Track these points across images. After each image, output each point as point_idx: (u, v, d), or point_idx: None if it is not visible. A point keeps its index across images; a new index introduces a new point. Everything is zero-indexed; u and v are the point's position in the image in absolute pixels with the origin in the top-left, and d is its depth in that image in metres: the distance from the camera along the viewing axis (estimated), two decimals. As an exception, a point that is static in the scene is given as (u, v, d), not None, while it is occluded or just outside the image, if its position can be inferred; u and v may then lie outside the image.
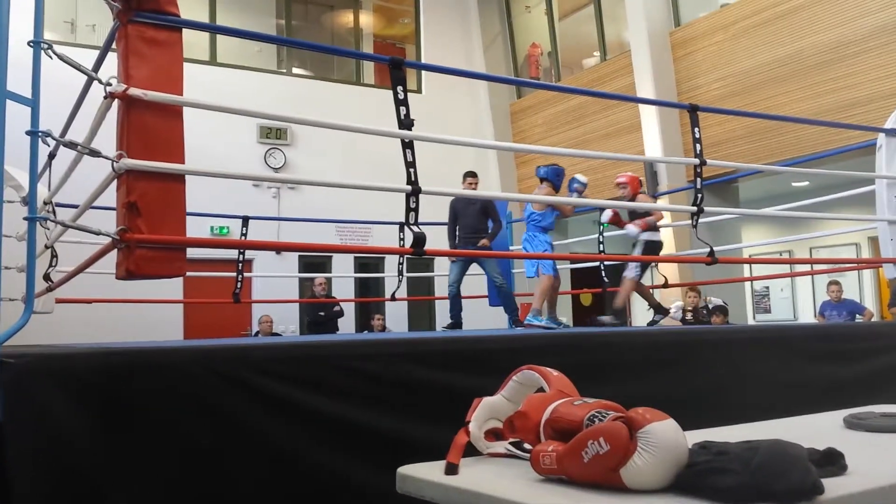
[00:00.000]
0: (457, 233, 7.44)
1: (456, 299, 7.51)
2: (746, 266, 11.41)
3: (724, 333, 4.22)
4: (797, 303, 13.56)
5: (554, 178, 6.76)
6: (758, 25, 9.67)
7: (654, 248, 6.59)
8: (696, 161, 4.32)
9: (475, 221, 7.32)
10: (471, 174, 7.49)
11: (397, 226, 7.75)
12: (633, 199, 6.72)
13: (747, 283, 12.47)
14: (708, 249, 4.54)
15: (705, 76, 10.37)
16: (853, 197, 6.08)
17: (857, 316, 9.18)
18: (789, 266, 12.14)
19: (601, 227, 7.96)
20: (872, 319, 9.79)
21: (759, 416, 2.29)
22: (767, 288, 13.97)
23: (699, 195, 4.37)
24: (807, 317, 12.87)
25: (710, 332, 4.72)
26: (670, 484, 1.37)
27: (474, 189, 7.53)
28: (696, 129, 4.37)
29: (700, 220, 4.48)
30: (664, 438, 1.38)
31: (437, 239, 7.27)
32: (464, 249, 7.23)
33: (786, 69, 9.27)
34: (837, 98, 8.67)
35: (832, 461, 1.47)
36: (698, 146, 4.35)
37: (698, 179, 4.35)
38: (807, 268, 12.16)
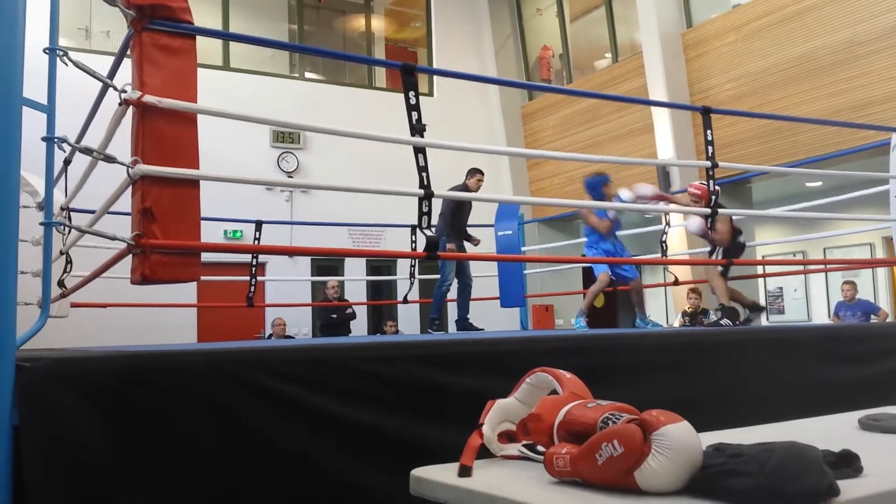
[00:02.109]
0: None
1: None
2: (760, 266, 11.34)
3: (737, 335, 4.20)
4: (811, 303, 13.47)
5: (590, 190, 6.65)
6: (770, 26, 9.62)
7: (739, 249, 6.12)
8: (709, 164, 4.31)
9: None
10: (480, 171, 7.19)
11: (409, 228, 7.77)
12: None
13: (761, 284, 12.38)
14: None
15: (717, 77, 10.33)
16: (867, 197, 6.04)
17: (872, 316, 9.10)
18: (803, 266, 12.05)
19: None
20: (887, 320, 9.71)
21: (773, 418, 2.28)
22: (781, 289, 13.88)
23: (713, 197, 4.37)
24: (820, 318, 12.78)
25: (723, 333, 4.70)
26: (685, 486, 1.38)
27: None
28: (709, 132, 4.36)
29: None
30: (678, 441, 1.38)
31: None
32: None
33: (798, 69, 9.22)
34: (850, 98, 8.61)
35: (847, 463, 1.47)
36: (710, 149, 4.33)
37: (711, 182, 4.34)
38: (821, 268, 12.06)
